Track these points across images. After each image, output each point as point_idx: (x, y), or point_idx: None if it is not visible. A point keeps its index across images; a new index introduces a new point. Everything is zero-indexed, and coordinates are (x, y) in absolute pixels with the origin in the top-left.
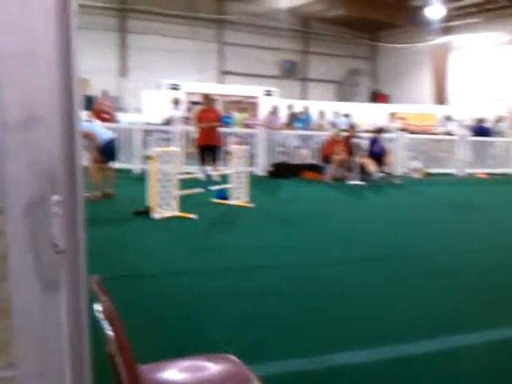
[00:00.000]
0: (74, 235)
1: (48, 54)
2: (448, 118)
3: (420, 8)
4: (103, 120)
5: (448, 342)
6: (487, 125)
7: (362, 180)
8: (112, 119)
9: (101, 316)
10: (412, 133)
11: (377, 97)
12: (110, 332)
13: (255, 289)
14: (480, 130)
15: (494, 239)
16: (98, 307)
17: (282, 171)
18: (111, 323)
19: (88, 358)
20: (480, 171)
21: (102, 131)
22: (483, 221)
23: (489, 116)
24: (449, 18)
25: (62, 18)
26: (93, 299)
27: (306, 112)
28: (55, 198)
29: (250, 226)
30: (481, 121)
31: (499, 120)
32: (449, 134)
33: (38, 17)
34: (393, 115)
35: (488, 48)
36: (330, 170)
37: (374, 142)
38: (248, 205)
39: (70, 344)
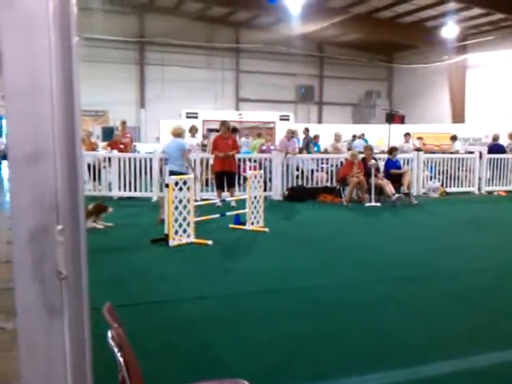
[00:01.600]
0: (78, 262)
1: (51, 91)
2: (454, 138)
3: (435, 28)
4: (120, 150)
5: (464, 364)
6: (502, 142)
7: (379, 201)
8: (130, 149)
9: (111, 342)
10: (430, 152)
11: (393, 117)
12: (120, 358)
13: (271, 313)
14: (495, 147)
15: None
16: (109, 334)
17: (299, 195)
18: (121, 349)
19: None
20: (499, 189)
21: (173, 163)
22: (501, 239)
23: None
24: (464, 37)
25: (65, 57)
26: (106, 326)
27: (317, 141)
28: (59, 227)
29: (266, 251)
30: (496, 138)
31: None
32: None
33: (43, 56)
34: (408, 135)
35: (504, 65)
36: (347, 193)
37: (389, 162)
38: (264, 229)
39: (74, 370)
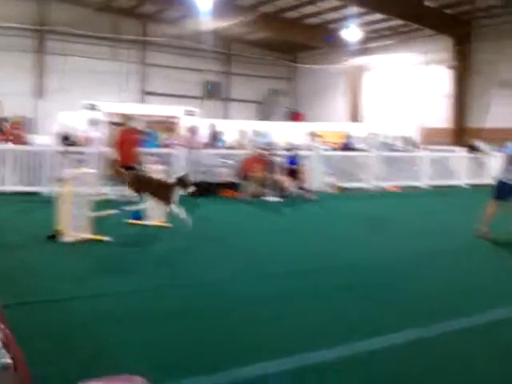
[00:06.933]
0: None
1: None
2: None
3: (337, 31)
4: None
5: (351, 349)
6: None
7: (279, 196)
8: (20, 141)
9: None
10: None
11: (295, 116)
12: (7, 359)
13: (171, 310)
14: (348, 145)
15: (400, 252)
16: None
17: (201, 190)
18: (8, 350)
19: None
20: (392, 185)
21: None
22: (390, 233)
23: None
24: (364, 40)
25: None
26: None
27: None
28: None
29: (167, 246)
30: (348, 137)
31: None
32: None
33: None
34: (313, 134)
35: (400, 68)
36: (249, 188)
37: (288, 159)
38: (166, 224)
39: None
